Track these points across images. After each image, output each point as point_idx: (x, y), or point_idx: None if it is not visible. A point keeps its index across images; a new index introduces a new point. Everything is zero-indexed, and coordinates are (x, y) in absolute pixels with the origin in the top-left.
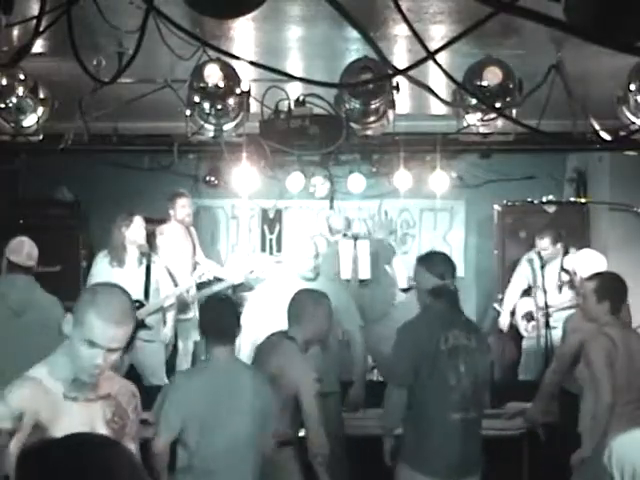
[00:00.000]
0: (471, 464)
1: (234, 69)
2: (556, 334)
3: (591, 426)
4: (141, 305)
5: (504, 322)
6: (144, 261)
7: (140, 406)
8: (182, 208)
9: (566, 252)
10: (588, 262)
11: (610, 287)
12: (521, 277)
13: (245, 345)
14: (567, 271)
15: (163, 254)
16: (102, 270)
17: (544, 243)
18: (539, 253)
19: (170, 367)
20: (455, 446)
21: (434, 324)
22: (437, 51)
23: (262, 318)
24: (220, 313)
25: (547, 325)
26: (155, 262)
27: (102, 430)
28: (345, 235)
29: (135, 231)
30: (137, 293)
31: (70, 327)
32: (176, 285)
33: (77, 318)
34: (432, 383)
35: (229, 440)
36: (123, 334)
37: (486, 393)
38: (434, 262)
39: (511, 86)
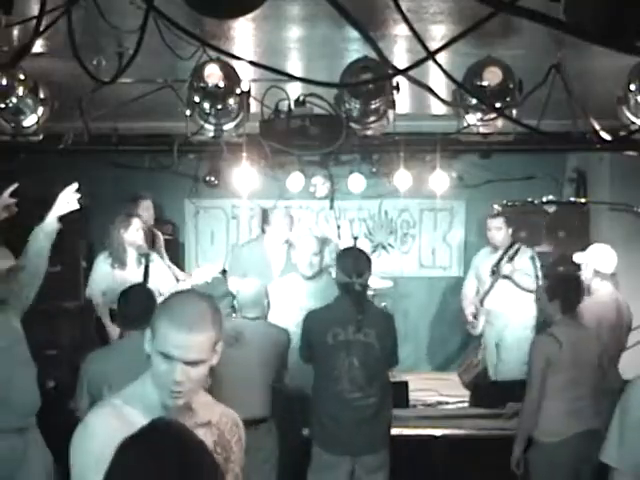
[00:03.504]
0: (368, 444)
1: (234, 69)
2: None
3: (520, 422)
4: None
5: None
6: (143, 261)
7: (244, 437)
8: (145, 210)
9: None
10: (599, 255)
11: (561, 287)
12: None
13: None
14: (578, 265)
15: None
16: (104, 272)
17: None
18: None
19: None
20: (348, 427)
21: (328, 318)
22: (437, 51)
23: (270, 317)
24: (132, 301)
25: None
26: (154, 261)
27: None
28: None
29: (134, 233)
30: None
31: (148, 342)
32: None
33: (152, 330)
34: (322, 370)
35: None
36: (202, 343)
37: (388, 380)
38: (344, 260)
39: (511, 86)
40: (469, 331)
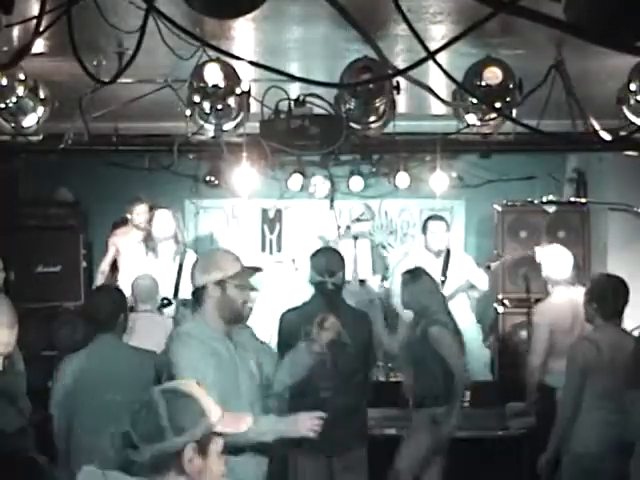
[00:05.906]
0: (342, 443)
1: (234, 69)
2: None
3: (554, 430)
4: (169, 303)
5: None
6: (178, 258)
7: None
8: (138, 215)
9: None
10: (552, 256)
11: (601, 291)
12: None
13: None
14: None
15: (121, 257)
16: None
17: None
18: None
19: None
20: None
21: (301, 317)
22: (437, 51)
23: (271, 319)
24: (100, 303)
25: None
26: (188, 259)
27: None
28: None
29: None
30: (169, 288)
31: None
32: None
33: None
34: None
35: (103, 411)
36: None
37: (365, 379)
38: (317, 260)
39: (511, 86)
40: None
